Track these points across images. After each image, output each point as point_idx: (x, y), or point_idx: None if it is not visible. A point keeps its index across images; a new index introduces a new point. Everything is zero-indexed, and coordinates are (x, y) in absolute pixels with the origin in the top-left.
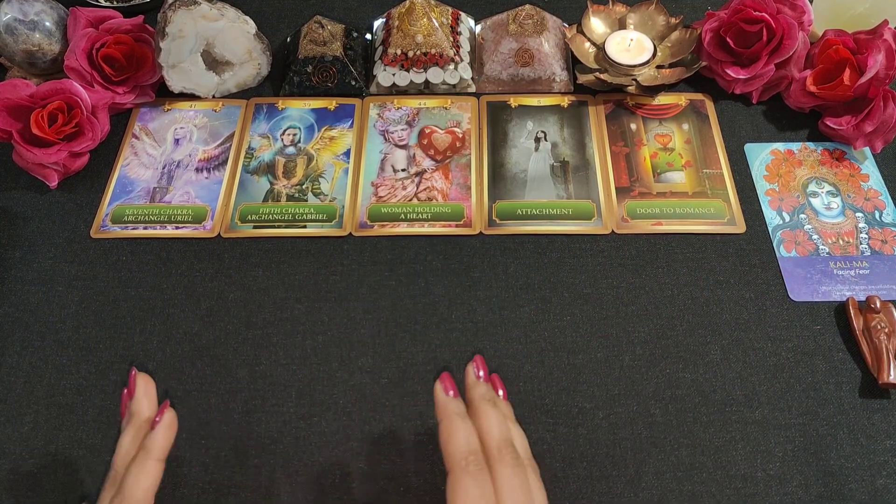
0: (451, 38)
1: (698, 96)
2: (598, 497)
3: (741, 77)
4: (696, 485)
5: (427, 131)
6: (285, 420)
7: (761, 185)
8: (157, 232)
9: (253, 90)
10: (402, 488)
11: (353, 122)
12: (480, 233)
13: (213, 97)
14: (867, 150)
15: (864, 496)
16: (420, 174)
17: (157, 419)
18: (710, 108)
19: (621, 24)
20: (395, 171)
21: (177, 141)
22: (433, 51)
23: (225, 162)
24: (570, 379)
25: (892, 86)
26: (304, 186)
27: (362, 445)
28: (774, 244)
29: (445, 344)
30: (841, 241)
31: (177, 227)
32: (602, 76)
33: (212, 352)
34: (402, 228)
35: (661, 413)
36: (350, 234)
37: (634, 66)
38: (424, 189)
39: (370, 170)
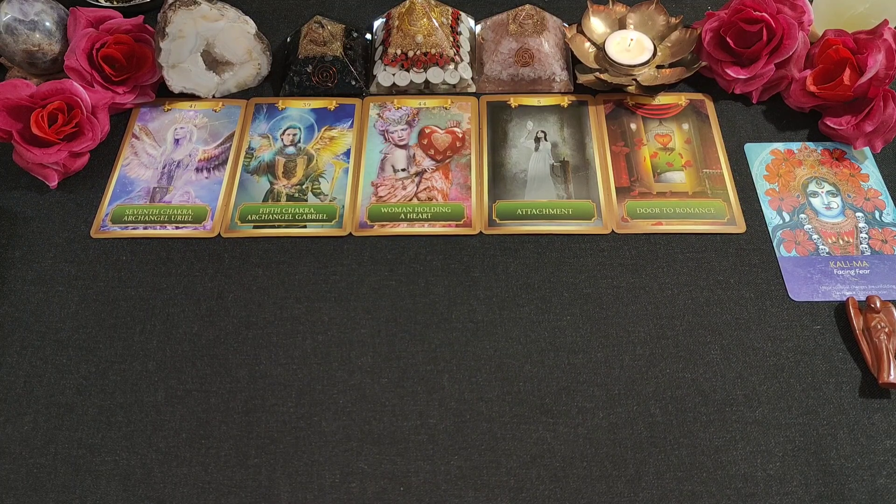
0: (451, 38)
1: (698, 96)
2: (598, 497)
3: (741, 77)
4: (696, 485)
5: (427, 131)
6: (285, 420)
7: (761, 185)
8: (157, 232)
9: (253, 90)
10: (402, 488)
11: (353, 122)
12: (480, 233)
13: (213, 97)
14: (867, 149)
15: (864, 496)
16: (420, 174)
17: None
18: (710, 107)
19: (621, 24)
20: (395, 171)
21: (177, 141)
22: (433, 51)
23: (225, 162)
24: (570, 379)
25: (892, 86)
26: (304, 186)
27: (362, 445)
28: (774, 244)
29: (445, 344)
30: (841, 241)
31: (177, 227)
32: (602, 76)
33: (212, 352)
34: (402, 228)
35: (661, 413)
36: (350, 234)
37: (634, 66)
38: (424, 189)
39: (370, 170)
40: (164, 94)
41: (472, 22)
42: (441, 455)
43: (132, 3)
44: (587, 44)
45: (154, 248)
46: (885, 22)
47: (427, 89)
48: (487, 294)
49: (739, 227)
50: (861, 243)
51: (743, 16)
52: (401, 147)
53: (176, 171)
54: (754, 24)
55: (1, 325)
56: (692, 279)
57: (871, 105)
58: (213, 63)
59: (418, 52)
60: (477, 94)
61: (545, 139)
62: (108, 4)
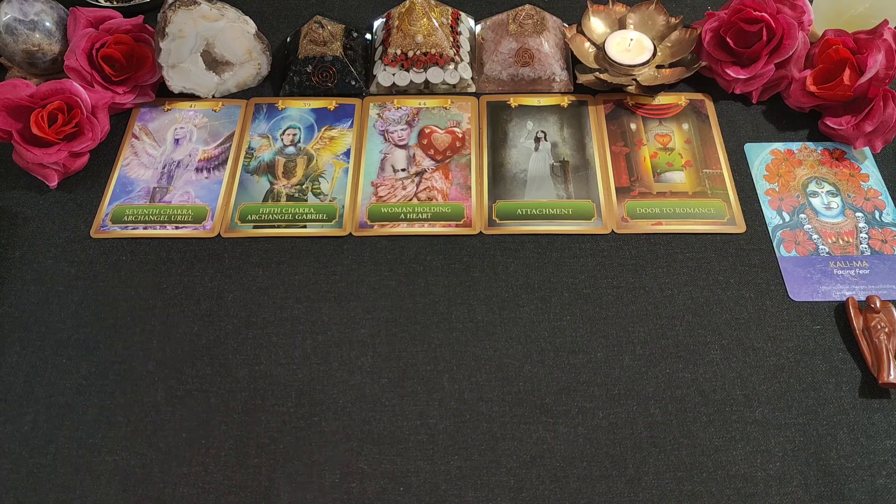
0: (451, 38)
1: (698, 96)
2: (598, 497)
3: (741, 77)
4: (696, 485)
5: (427, 131)
6: (285, 420)
7: (761, 185)
8: (157, 232)
9: (253, 90)
10: (402, 488)
11: (353, 122)
12: (480, 233)
13: (213, 97)
14: (867, 149)
15: (864, 496)
16: (420, 174)
17: None
18: (710, 108)
19: (621, 24)
20: (395, 170)
21: (177, 141)
22: (433, 51)
23: (225, 162)
24: (570, 379)
25: (892, 86)
26: (304, 186)
27: (362, 445)
28: (774, 244)
29: (445, 344)
30: (841, 241)
31: (177, 227)
32: (602, 76)
33: (212, 352)
34: (402, 228)
35: (661, 413)
36: (350, 234)
37: (634, 66)
38: (424, 189)
39: (370, 170)
40: (164, 94)
41: (472, 22)
42: (441, 455)
43: (132, 3)
44: (587, 44)
45: (154, 248)
46: (885, 22)
47: (427, 89)
48: (487, 294)
49: (739, 227)
50: (861, 243)
51: (743, 16)
52: (401, 147)
53: (176, 171)
54: (754, 24)
55: (1, 325)
56: (692, 279)
57: (870, 105)
58: (213, 63)
59: (418, 52)
60: (477, 94)
61: (545, 139)
62: (108, 4)
